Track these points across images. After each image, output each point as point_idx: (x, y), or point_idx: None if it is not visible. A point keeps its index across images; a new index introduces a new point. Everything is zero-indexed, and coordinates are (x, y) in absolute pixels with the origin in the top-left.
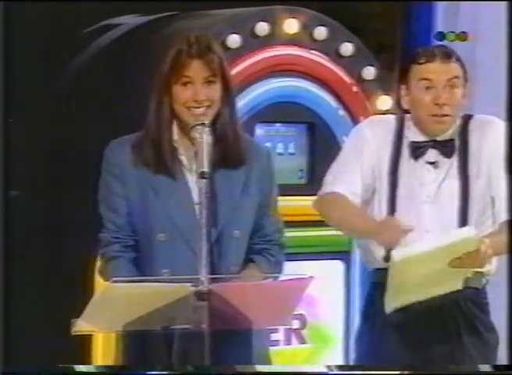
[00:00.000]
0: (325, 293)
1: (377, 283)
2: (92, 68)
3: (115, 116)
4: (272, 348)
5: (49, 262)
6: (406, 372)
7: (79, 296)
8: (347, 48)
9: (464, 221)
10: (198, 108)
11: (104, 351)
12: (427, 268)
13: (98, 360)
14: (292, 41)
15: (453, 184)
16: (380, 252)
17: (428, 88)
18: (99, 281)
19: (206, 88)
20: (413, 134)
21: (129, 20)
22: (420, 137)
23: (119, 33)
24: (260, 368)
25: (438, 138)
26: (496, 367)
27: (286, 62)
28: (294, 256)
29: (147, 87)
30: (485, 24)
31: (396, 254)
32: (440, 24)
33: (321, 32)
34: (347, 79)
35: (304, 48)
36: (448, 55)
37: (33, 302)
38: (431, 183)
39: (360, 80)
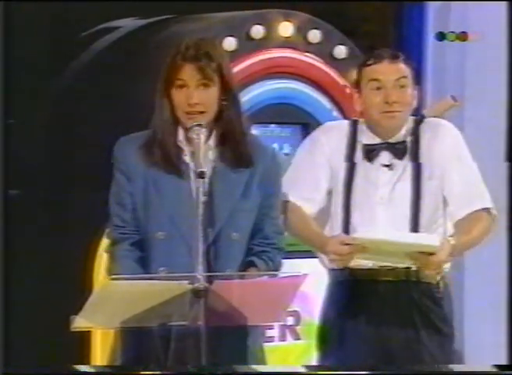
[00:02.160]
0: (319, 290)
1: (333, 283)
2: (91, 70)
3: (114, 117)
4: (266, 345)
5: (49, 261)
6: (388, 372)
7: (78, 296)
8: (341, 51)
9: (415, 222)
10: (193, 114)
11: (103, 350)
12: (384, 250)
13: (97, 360)
14: (287, 43)
15: (406, 186)
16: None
17: (378, 89)
18: (98, 280)
19: (200, 92)
20: (366, 138)
21: (127, 23)
22: (373, 140)
23: (117, 36)
24: (251, 367)
25: (390, 140)
26: (496, 367)
27: (280, 65)
28: (289, 254)
29: (145, 89)
30: (476, 25)
31: (360, 234)
32: (432, 26)
33: (315, 35)
34: (341, 81)
35: (299, 51)
36: (395, 55)
37: (33, 302)
38: (385, 186)
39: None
